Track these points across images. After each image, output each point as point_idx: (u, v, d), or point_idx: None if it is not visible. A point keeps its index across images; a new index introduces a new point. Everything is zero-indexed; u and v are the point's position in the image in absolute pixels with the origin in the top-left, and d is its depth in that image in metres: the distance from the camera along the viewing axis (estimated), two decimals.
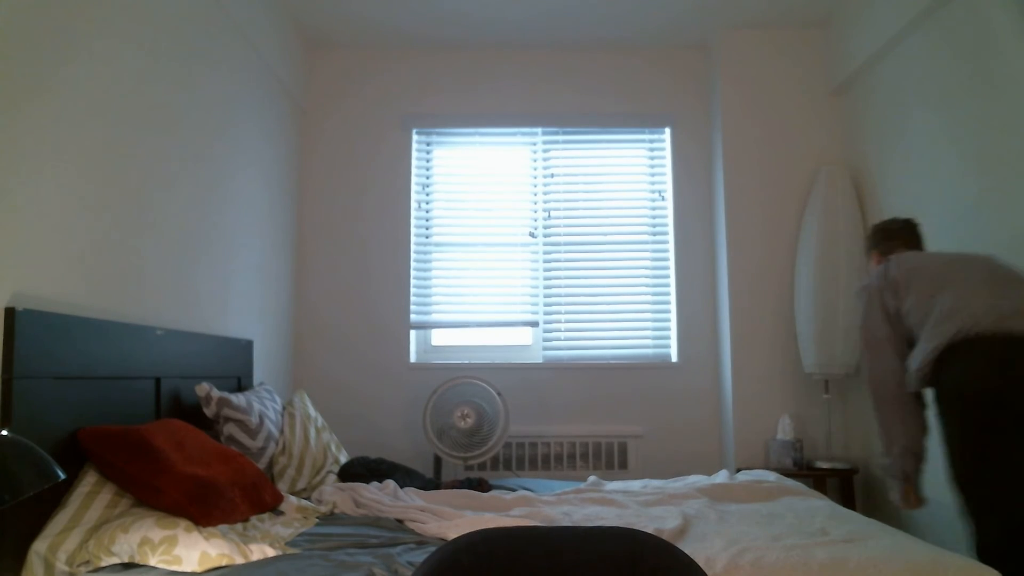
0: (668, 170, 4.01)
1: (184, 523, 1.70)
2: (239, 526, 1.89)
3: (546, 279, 3.96)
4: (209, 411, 2.40)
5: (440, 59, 4.02)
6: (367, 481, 2.65)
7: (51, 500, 1.70)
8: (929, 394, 2.12)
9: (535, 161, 4.05)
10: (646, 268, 3.99)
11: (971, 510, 1.95)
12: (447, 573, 0.85)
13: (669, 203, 3.99)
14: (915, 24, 2.94)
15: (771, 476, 2.70)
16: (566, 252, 3.98)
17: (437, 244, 4.01)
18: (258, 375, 3.27)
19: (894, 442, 2.18)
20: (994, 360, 1.94)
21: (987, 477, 1.91)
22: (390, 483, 2.57)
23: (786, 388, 3.62)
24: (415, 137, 4.03)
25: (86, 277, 1.97)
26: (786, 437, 3.41)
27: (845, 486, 3.35)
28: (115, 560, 1.63)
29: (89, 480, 1.78)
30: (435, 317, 3.96)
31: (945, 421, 2.03)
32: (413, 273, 3.95)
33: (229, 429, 2.41)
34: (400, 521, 2.15)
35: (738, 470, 3.43)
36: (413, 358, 3.90)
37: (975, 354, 1.97)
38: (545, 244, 3.98)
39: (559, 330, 3.94)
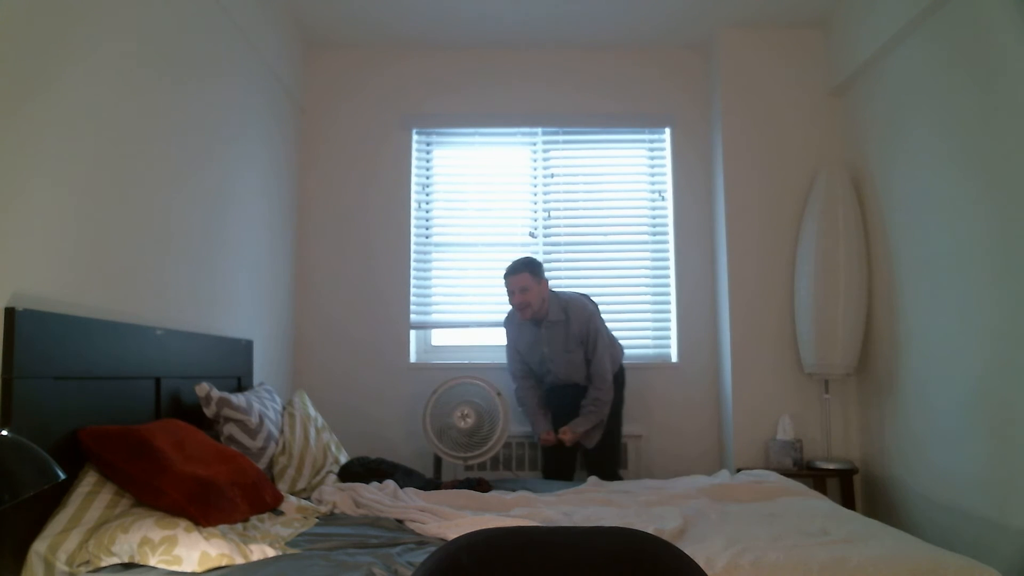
0: (668, 170, 4.01)
1: (184, 523, 1.70)
2: (239, 526, 1.89)
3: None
4: (209, 411, 2.40)
5: (440, 59, 4.01)
6: (367, 481, 2.65)
7: (51, 500, 1.70)
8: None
9: (535, 161, 4.05)
10: (646, 268, 3.99)
11: (611, 459, 3.32)
12: (447, 573, 0.85)
13: (669, 203, 3.99)
14: (915, 24, 2.94)
15: (771, 476, 2.70)
16: (566, 252, 3.98)
17: (437, 244, 4.01)
18: (258, 375, 3.27)
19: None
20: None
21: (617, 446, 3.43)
22: (390, 483, 2.57)
23: (786, 388, 3.62)
24: (415, 137, 4.03)
25: (86, 277, 1.97)
26: (786, 437, 3.41)
27: (845, 486, 3.35)
28: (115, 560, 1.63)
29: (89, 480, 1.77)
30: (435, 317, 3.96)
31: (614, 414, 3.33)
32: (413, 273, 3.95)
33: (229, 429, 2.41)
34: (400, 521, 2.15)
35: (738, 470, 3.43)
36: (413, 358, 3.90)
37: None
38: (545, 244, 3.98)
39: None
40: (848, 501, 3.32)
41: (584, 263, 3.98)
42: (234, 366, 2.92)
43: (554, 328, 3.28)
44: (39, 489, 1.23)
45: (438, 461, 3.49)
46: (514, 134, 4.06)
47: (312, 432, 2.82)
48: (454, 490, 2.54)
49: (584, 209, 4.02)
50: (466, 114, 4.00)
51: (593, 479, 2.78)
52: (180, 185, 2.54)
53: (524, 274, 3.24)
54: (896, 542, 1.80)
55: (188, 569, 1.62)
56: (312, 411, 2.97)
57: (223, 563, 1.65)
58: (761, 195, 3.72)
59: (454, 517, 2.15)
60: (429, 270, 3.99)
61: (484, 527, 0.97)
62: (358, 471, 2.74)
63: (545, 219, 4.00)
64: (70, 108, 1.89)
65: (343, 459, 2.95)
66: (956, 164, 2.74)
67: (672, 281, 3.94)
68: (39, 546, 1.61)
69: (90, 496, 1.74)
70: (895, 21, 3.03)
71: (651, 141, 4.06)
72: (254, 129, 3.25)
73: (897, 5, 3.02)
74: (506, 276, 3.29)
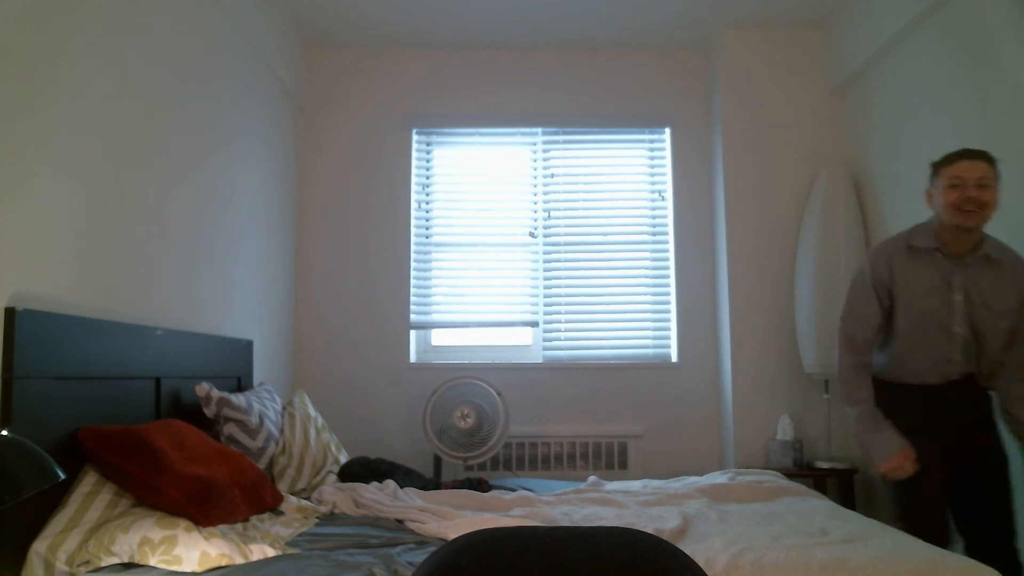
0: (668, 170, 4.01)
1: (184, 523, 1.70)
2: (239, 526, 1.89)
3: (546, 279, 3.95)
4: (209, 411, 2.40)
5: (440, 59, 4.01)
6: (367, 481, 2.65)
7: (51, 500, 1.70)
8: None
9: (535, 161, 4.05)
10: (646, 268, 3.99)
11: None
12: (447, 573, 0.85)
13: (669, 203, 3.99)
14: (915, 24, 2.94)
15: (771, 476, 2.70)
16: (566, 252, 3.98)
17: (437, 244, 4.01)
18: (258, 375, 3.27)
19: None
20: None
21: None
22: (390, 483, 2.57)
23: (786, 388, 3.62)
24: (415, 137, 4.03)
25: (87, 277, 1.97)
26: (786, 437, 3.41)
27: (845, 486, 3.35)
28: (115, 560, 1.63)
29: (89, 480, 1.77)
30: (435, 317, 3.96)
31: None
32: (413, 273, 3.95)
33: (229, 429, 2.41)
34: (400, 521, 2.15)
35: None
36: (413, 358, 3.90)
37: None
38: (545, 244, 3.98)
39: (559, 330, 3.94)
40: (848, 501, 3.32)
41: (584, 263, 3.98)
42: (234, 366, 2.92)
43: (986, 270, 2.16)
44: (39, 489, 1.23)
45: (438, 461, 3.49)
46: (514, 134, 4.06)
47: (312, 432, 2.82)
48: (454, 490, 2.54)
49: (584, 209, 4.02)
50: (466, 114, 4.00)
51: (593, 479, 2.77)
52: (180, 185, 2.54)
53: (986, 163, 2.09)
54: (896, 542, 1.80)
55: (188, 569, 1.62)
56: (312, 411, 2.97)
57: (223, 563, 1.65)
58: (761, 195, 3.72)
59: (454, 517, 2.15)
60: (429, 270, 3.99)
61: (484, 527, 0.97)
62: (358, 471, 2.74)
63: (545, 219, 4.00)
64: (70, 109, 1.89)
65: (343, 459, 2.95)
66: None
67: (672, 281, 3.94)
68: (39, 546, 1.61)
69: (90, 496, 1.74)
70: (895, 21, 3.03)
71: (651, 141, 4.06)
72: (254, 129, 3.25)
73: (897, 5, 3.02)
74: (952, 162, 2.12)
